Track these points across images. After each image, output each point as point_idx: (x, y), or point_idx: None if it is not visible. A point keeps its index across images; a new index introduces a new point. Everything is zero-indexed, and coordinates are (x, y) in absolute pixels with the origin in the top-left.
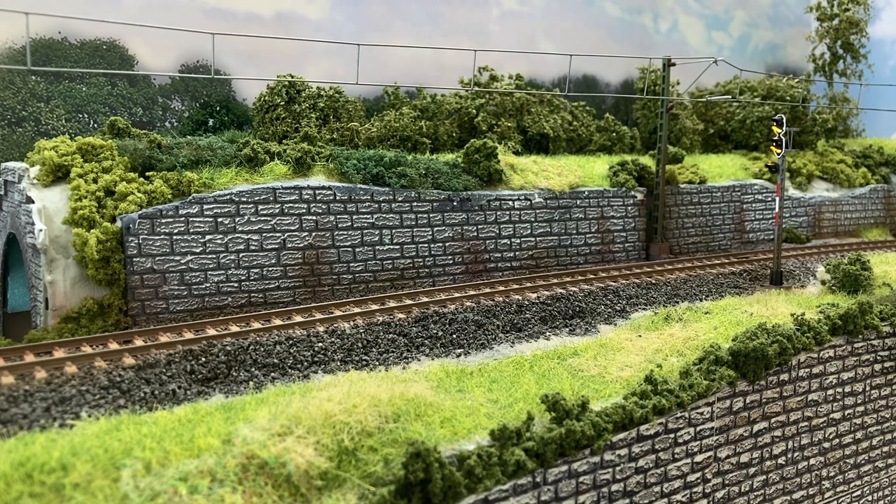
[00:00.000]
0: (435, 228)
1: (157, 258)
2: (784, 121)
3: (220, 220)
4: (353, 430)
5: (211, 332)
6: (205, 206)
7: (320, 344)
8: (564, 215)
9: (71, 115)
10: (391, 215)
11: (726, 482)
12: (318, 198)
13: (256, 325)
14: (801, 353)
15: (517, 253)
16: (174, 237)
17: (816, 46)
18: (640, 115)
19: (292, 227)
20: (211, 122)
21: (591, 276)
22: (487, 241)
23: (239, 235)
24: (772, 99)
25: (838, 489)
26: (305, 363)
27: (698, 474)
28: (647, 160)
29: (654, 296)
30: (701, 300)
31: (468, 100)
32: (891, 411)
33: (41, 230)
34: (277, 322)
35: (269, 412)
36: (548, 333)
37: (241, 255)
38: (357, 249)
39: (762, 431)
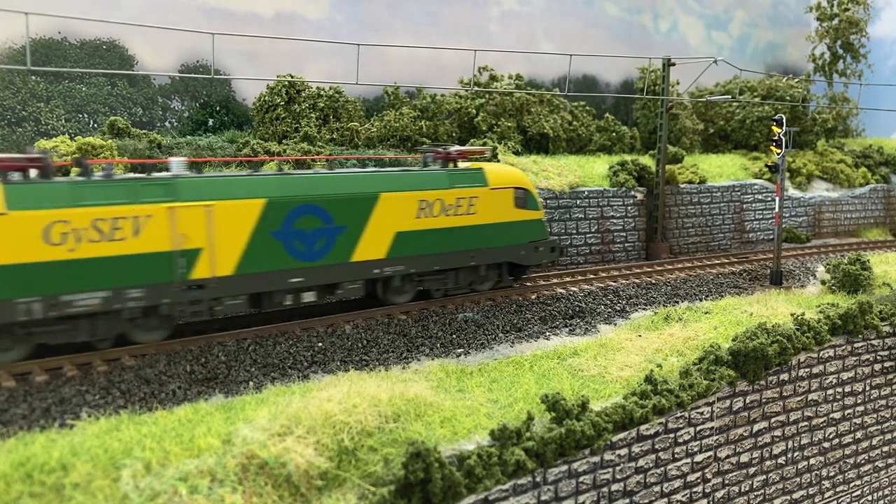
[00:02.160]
0: None
1: None
2: (784, 121)
3: None
4: (353, 430)
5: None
6: None
7: (320, 344)
8: (564, 215)
9: (71, 115)
10: None
11: (726, 482)
12: None
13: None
14: (801, 353)
15: None
16: None
17: (816, 46)
18: (640, 115)
19: None
20: (211, 122)
21: (591, 276)
22: None
23: None
24: (772, 99)
25: (838, 489)
26: (305, 363)
27: (698, 474)
28: (646, 160)
29: (654, 296)
30: (701, 300)
31: (468, 100)
32: (891, 411)
33: None
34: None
35: (269, 412)
36: (548, 333)
37: None
38: None
39: (762, 431)
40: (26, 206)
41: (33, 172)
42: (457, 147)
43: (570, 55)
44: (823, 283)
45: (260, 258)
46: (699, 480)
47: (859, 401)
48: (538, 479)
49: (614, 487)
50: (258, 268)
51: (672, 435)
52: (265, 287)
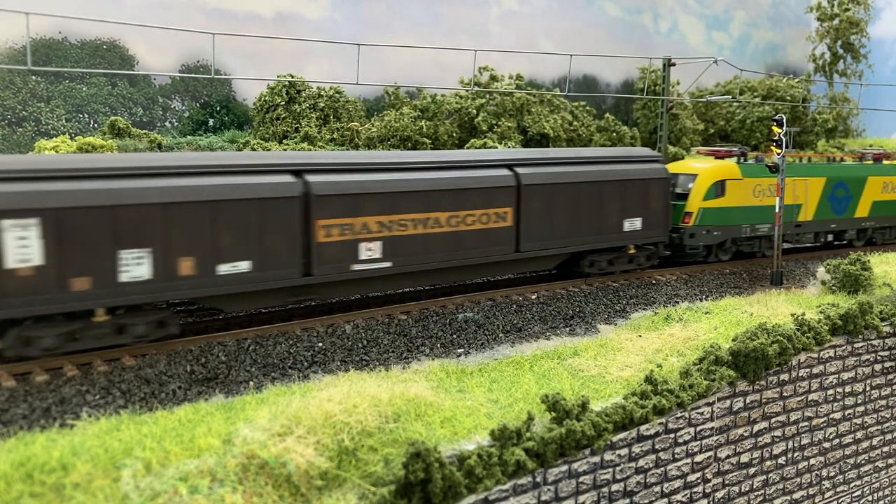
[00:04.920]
0: None
1: None
2: (784, 121)
3: None
4: (353, 430)
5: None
6: None
7: (320, 344)
8: None
9: (71, 115)
10: None
11: (726, 482)
12: None
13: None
14: (801, 353)
15: None
16: None
17: (816, 46)
18: (640, 115)
19: None
20: (211, 122)
21: (591, 276)
22: None
23: None
24: (772, 99)
25: (838, 489)
26: (305, 363)
27: (698, 474)
28: None
29: (654, 296)
30: (701, 300)
31: (468, 100)
32: (891, 411)
33: None
34: None
35: (269, 412)
36: (548, 333)
37: None
38: None
39: (762, 431)
40: (748, 175)
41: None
42: (884, 149)
43: (571, 55)
44: (824, 283)
45: (821, 211)
46: (699, 481)
47: (859, 401)
48: (538, 480)
49: (614, 487)
50: (820, 217)
51: (672, 435)
52: (820, 229)
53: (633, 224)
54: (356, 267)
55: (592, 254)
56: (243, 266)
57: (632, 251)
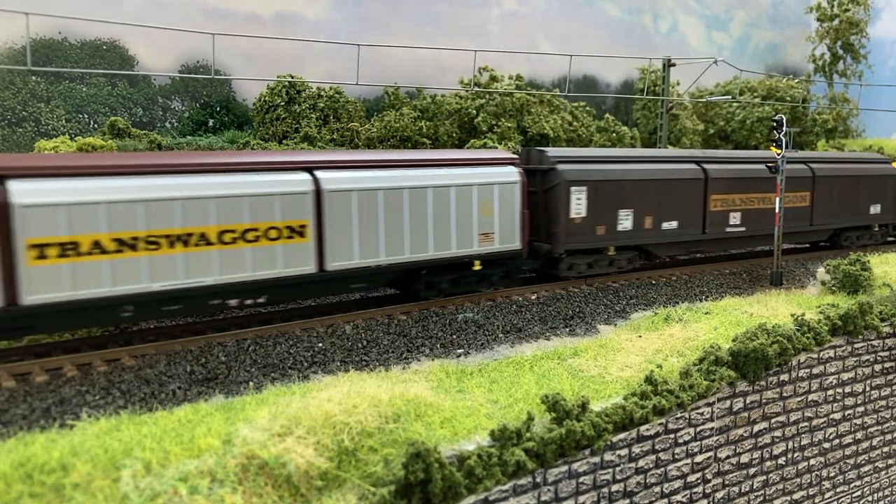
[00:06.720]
0: None
1: None
2: (784, 121)
3: None
4: (353, 431)
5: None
6: None
7: (320, 344)
8: None
9: (71, 115)
10: None
11: (726, 482)
12: None
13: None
14: (801, 354)
15: None
16: None
17: (816, 47)
18: (640, 116)
19: None
20: (211, 122)
21: (591, 276)
22: None
23: None
24: (772, 99)
25: (838, 489)
26: (305, 363)
27: (698, 474)
28: None
29: (654, 296)
30: (701, 300)
31: (468, 100)
32: (891, 411)
33: None
34: None
35: (269, 412)
36: (548, 334)
37: None
38: None
39: (762, 432)
40: None
41: None
42: None
43: (571, 55)
44: (823, 283)
45: None
46: (699, 481)
47: (859, 401)
48: (538, 480)
49: (614, 488)
50: None
51: (672, 435)
52: None
53: (875, 209)
54: (727, 229)
55: (849, 230)
56: (674, 224)
57: (876, 229)
